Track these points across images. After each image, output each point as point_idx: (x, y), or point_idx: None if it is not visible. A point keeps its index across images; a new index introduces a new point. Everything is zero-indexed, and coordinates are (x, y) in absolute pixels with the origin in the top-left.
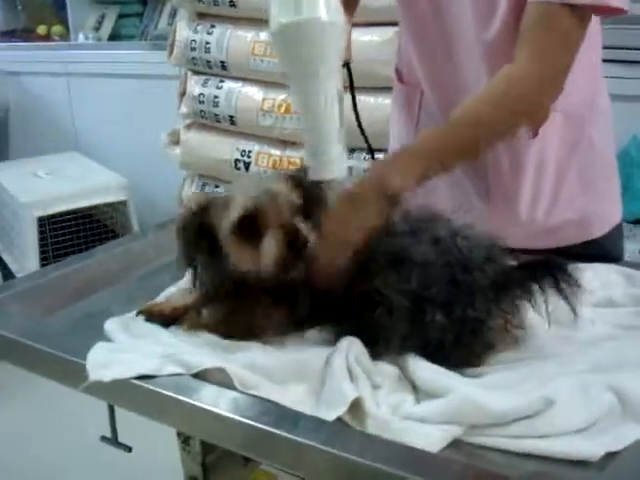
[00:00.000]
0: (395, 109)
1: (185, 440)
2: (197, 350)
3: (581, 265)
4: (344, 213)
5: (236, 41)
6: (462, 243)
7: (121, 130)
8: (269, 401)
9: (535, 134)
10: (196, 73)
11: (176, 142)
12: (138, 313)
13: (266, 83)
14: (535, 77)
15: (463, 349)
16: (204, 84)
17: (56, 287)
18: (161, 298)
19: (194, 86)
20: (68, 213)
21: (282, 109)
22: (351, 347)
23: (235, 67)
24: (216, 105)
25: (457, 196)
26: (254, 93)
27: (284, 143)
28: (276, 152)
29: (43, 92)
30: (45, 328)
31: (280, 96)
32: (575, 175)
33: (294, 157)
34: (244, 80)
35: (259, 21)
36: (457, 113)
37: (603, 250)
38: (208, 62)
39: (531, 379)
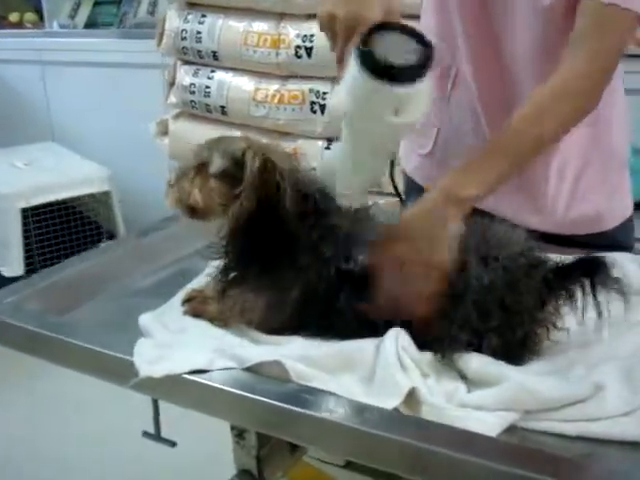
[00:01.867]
0: None
1: (239, 434)
2: (246, 343)
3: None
4: (420, 234)
5: (228, 31)
6: (504, 255)
7: (99, 120)
8: (325, 392)
9: None
10: (186, 63)
11: (164, 132)
12: (185, 306)
13: (259, 73)
14: (592, 76)
15: (511, 356)
16: (195, 74)
17: (73, 284)
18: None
19: (184, 76)
20: (51, 205)
21: (276, 99)
22: (398, 336)
23: (227, 57)
24: (207, 95)
25: None
26: (246, 83)
27: (276, 133)
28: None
29: (17, 81)
30: (73, 324)
31: (273, 86)
32: (594, 170)
33: (286, 148)
34: (236, 70)
35: (251, 11)
36: (519, 114)
37: (614, 241)
38: (199, 52)
39: (577, 365)
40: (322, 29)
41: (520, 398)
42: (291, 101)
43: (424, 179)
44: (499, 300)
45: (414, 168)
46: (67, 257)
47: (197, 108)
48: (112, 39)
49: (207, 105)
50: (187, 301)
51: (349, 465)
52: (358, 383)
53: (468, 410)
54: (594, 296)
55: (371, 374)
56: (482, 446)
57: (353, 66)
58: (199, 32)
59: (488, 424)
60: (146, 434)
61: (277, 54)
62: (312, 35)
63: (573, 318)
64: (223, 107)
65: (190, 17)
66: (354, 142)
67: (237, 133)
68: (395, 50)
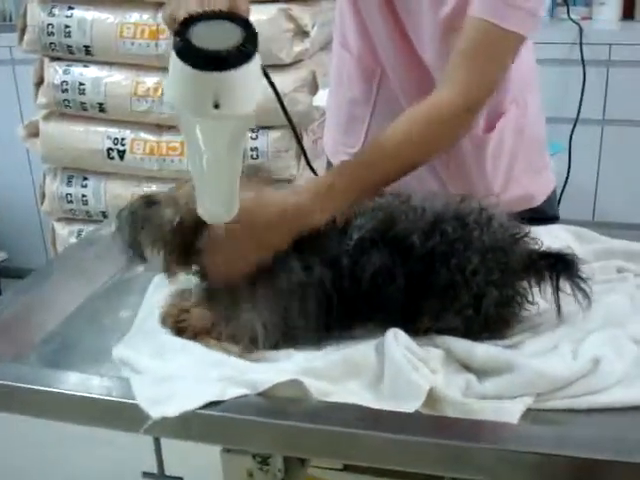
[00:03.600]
0: (340, 82)
1: (263, 460)
2: (247, 364)
3: (535, 228)
4: (246, 232)
5: (100, 24)
6: (494, 225)
7: None
8: (347, 405)
9: (492, 128)
10: (55, 59)
11: (35, 134)
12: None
13: (138, 66)
14: (470, 108)
15: (499, 320)
16: (66, 71)
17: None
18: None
19: (54, 74)
20: None
21: (158, 92)
22: (397, 336)
23: (101, 51)
24: (82, 93)
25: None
26: (125, 78)
27: (160, 127)
28: (152, 137)
29: None
30: (46, 370)
31: (154, 79)
32: (523, 157)
33: (173, 141)
34: (112, 65)
35: (124, 2)
36: (376, 146)
37: (543, 214)
38: (69, 47)
39: (563, 342)
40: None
41: (534, 382)
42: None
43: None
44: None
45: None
46: None
47: (71, 107)
48: None
49: (83, 103)
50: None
51: (347, 468)
52: (367, 389)
53: (488, 401)
54: (557, 288)
55: (377, 379)
56: (520, 434)
57: (172, 57)
58: (67, 26)
59: (510, 412)
60: (147, 475)
61: (157, 45)
62: None
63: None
64: (101, 104)
65: (55, 10)
66: (191, 152)
67: (117, 130)
68: (215, 37)
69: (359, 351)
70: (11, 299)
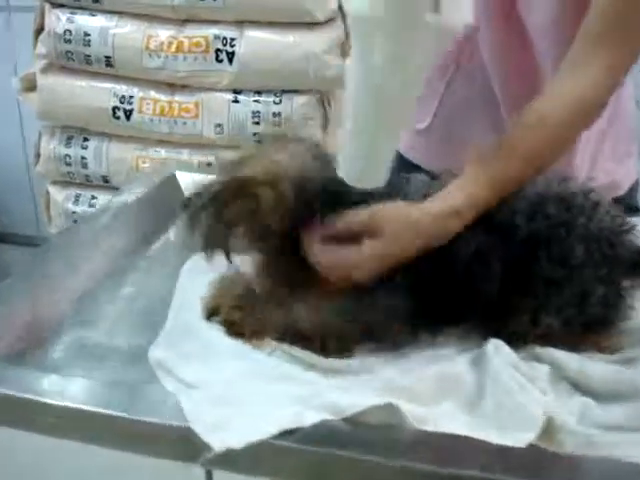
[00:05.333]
0: None
1: None
2: (325, 381)
3: None
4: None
5: None
6: (601, 212)
7: None
8: (446, 436)
9: None
10: (57, 6)
11: (31, 88)
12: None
13: (150, 17)
14: (610, 89)
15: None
16: (70, 19)
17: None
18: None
19: (56, 22)
20: None
21: (173, 48)
22: (500, 350)
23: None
24: (87, 44)
25: None
26: (135, 30)
27: (172, 87)
28: (163, 97)
29: None
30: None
31: (168, 32)
32: (611, 140)
33: (186, 103)
34: (122, 14)
35: None
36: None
37: (626, 204)
38: None
39: None
40: None
41: None
42: (192, 49)
43: (420, 159)
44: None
45: (407, 146)
46: None
47: (74, 59)
48: None
49: (87, 56)
50: (212, 314)
51: None
52: (463, 411)
53: (621, 433)
54: None
55: (476, 398)
56: None
57: None
58: None
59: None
60: None
61: None
62: None
63: None
64: (108, 58)
65: None
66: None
67: (125, 87)
68: None
69: (454, 367)
70: (18, 278)
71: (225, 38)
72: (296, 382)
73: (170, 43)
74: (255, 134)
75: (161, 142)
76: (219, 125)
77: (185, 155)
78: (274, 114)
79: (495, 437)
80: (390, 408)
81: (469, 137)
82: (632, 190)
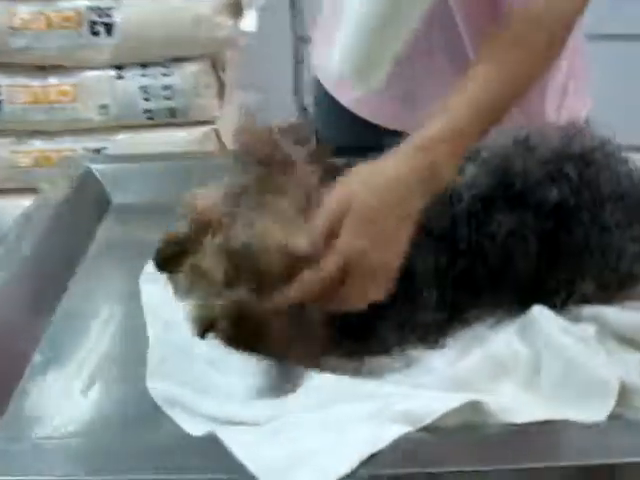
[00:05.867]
0: None
1: None
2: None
3: None
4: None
5: None
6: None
7: None
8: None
9: None
10: None
11: None
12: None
13: None
14: None
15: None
16: None
17: None
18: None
19: None
20: None
21: (40, 24)
22: (546, 317)
23: None
24: None
25: None
26: None
27: (43, 69)
28: (35, 82)
29: None
30: None
31: (32, 8)
32: (575, 75)
33: (63, 85)
34: None
35: None
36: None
37: None
38: None
39: None
40: None
41: None
42: (63, 24)
43: (372, 114)
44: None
45: (355, 100)
46: None
47: None
48: None
49: None
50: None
51: None
52: (524, 392)
53: None
54: None
55: (531, 375)
56: None
57: None
58: None
59: None
60: None
61: None
62: None
63: None
64: None
65: None
66: None
67: None
68: None
69: (502, 342)
70: None
71: (99, 8)
72: (351, 397)
73: (36, 19)
74: (146, 111)
75: (38, 133)
76: (104, 106)
77: (68, 144)
78: (165, 87)
79: (573, 414)
80: (473, 406)
81: (430, 87)
82: (587, 120)
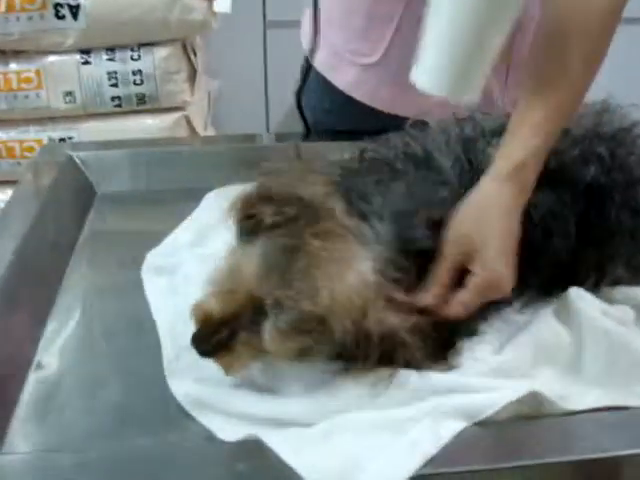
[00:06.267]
0: None
1: None
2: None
3: None
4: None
5: None
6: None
7: None
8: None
9: None
10: None
11: None
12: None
13: None
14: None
15: None
16: None
17: None
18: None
19: None
20: None
21: (1, 6)
22: (584, 299)
23: None
24: None
25: None
26: None
27: (4, 54)
28: None
29: None
30: None
31: None
32: (514, 72)
33: (25, 71)
34: None
35: None
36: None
37: None
38: None
39: None
40: None
41: None
42: (25, 7)
43: (368, 97)
44: None
45: (351, 83)
46: None
47: None
48: None
49: None
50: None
51: None
52: (568, 375)
53: None
54: None
55: (573, 358)
56: None
57: None
58: None
59: None
60: None
61: None
62: None
63: None
64: None
65: None
66: None
67: None
68: None
69: (545, 328)
70: None
71: None
72: (400, 392)
73: None
74: (114, 98)
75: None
76: (69, 93)
77: (32, 134)
78: (134, 72)
79: (622, 399)
80: (532, 397)
81: None
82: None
